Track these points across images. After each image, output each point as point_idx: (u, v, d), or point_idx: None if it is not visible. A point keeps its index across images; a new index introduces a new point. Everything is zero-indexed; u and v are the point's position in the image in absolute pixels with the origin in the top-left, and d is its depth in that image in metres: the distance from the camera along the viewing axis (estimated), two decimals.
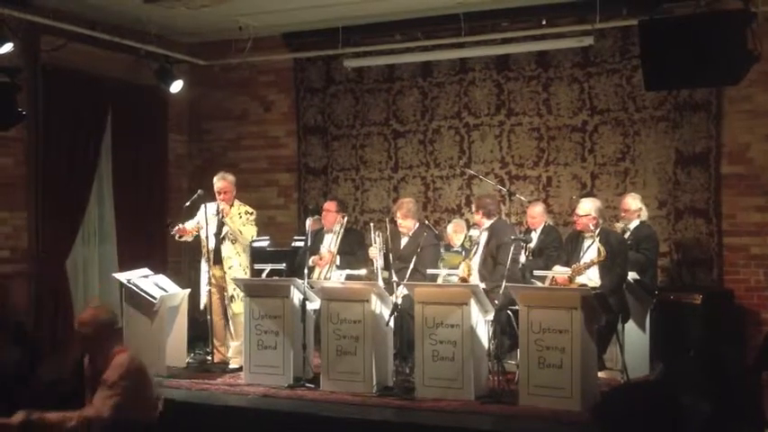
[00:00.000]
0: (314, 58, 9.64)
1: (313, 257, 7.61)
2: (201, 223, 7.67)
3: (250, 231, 7.68)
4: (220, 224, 7.64)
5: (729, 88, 7.72)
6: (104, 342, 4.67)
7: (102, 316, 4.74)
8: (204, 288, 7.71)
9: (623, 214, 7.65)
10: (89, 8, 8.36)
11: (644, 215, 7.62)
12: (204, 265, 7.74)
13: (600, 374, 6.63)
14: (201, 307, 7.79)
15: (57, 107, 8.33)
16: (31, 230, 8.24)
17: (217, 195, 7.67)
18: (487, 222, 7.21)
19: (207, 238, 7.64)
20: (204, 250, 7.69)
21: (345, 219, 7.80)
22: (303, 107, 9.81)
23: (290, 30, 9.46)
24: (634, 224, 7.52)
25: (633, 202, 7.62)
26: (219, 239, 7.64)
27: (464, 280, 6.97)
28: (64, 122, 8.42)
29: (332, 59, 9.53)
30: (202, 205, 7.69)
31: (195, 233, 7.76)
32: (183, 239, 7.81)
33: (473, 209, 7.40)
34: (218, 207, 7.67)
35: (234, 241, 7.64)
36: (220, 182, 7.69)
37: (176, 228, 7.65)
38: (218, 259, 7.64)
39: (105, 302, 5.46)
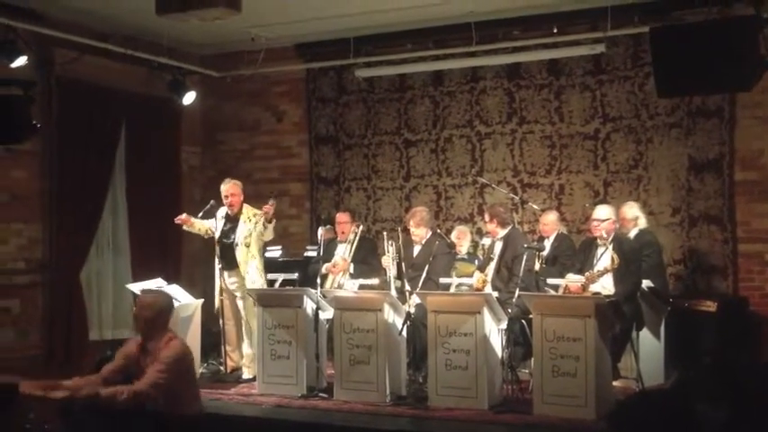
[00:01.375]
0: (326, 68, 9.67)
1: (326, 264, 7.63)
2: (213, 228, 7.72)
3: (270, 231, 7.69)
4: (230, 230, 7.67)
5: (742, 94, 7.68)
6: (161, 326, 5.01)
7: (162, 301, 5.14)
8: (217, 291, 7.76)
9: (620, 222, 7.60)
10: (102, 21, 8.43)
11: (642, 223, 7.54)
12: (217, 270, 7.78)
13: (614, 383, 6.60)
14: (215, 310, 7.83)
15: (71, 120, 8.40)
16: (45, 242, 8.30)
17: (224, 200, 7.69)
18: (502, 232, 7.20)
19: (217, 242, 7.69)
20: (217, 257, 7.74)
21: (360, 227, 7.81)
22: (315, 117, 9.84)
23: (302, 40, 9.51)
24: (633, 233, 7.46)
25: (630, 210, 7.56)
26: (233, 245, 7.65)
27: (479, 291, 6.95)
28: (78, 135, 8.48)
29: (344, 69, 9.56)
30: (218, 212, 7.77)
31: (209, 234, 7.80)
32: (186, 229, 7.82)
33: (486, 218, 7.37)
34: (226, 212, 7.72)
35: (248, 245, 7.63)
36: (227, 185, 7.73)
37: (181, 216, 7.69)
38: (233, 265, 7.66)
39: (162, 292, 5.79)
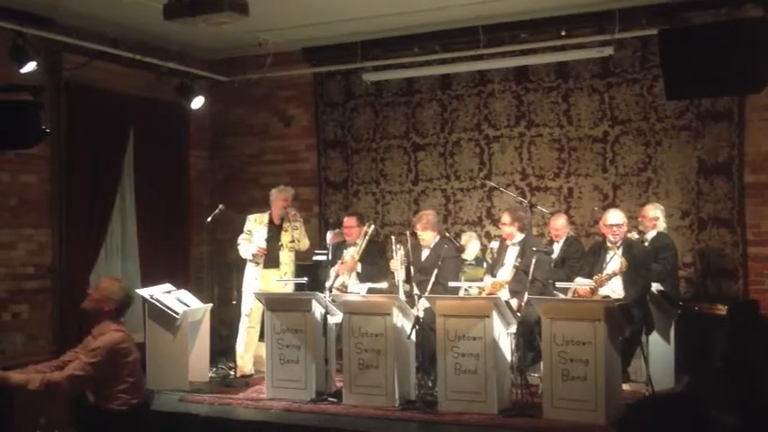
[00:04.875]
0: (333, 72, 9.67)
1: (334, 268, 7.64)
2: (258, 236, 7.95)
3: (307, 241, 8.19)
4: (276, 233, 7.95)
5: (751, 96, 7.65)
6: (106, 314, 4.84)
7: (117, 288, 4.93)
8: (250, 291, 7.86)
9: (640, 219, 7.64)
10: (111, 26, 8.46)
11: (661, 225, 7.56)
12: (252, 271, 7.92)
13: (624, 387, 6.58)
14: (245, 311, 7.93)
15: (79, 125, 8.42)
16: (54, 247, 8.31)
17: (281, 204, 8.00)
18: (519, 236, 7.17)
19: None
20: (257, 259, 7.90)
21: (372, 227, 7.80)
22: (323, 121, 9.84)
23: (310, 45, 9.51)
24: (651, 234, 7.48)
25: (652, 211, 7.60)
26: (277, 246, 7.91)
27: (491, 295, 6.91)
28: (87, 140, 8.50)
29: (351, 73, 9.56)
30: (251, 216, 8.09)
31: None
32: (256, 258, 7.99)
33: (506, 220, 7.22)
34: (269, 216, 8.04)
35: (291, 249, 7.98)
36: (291, 192, 8.19)
37: (258, 248, 7.89)
38: (272, 264, 7.91)
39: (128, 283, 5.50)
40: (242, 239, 7.99)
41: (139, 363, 4.94)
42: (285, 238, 7.97)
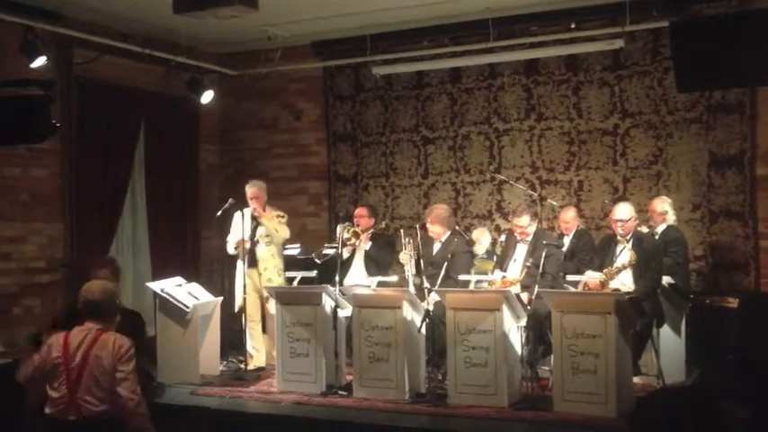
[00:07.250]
0: (343, 65, 9.67)
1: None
2: (238, 230, 7.83)
3: (285, 231, 7.95)
4: (255, 228, 7.84)
5: (763, 88, 7.62)
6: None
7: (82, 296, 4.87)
8: (239, 291, 7.84)
9: (649, 214, 7.62)
10: (121, 21, 8.48)
11: (671, 219, 7.54)
12: (240, 269, 7.87)
13: (635, 380, 6.56)
14: (236, 309, 7.92)
15: (90, 119, 8.45)
16: (66, 241, 8.35)
17: (249, 202, 7.88)
18: (532, 229, 7.14)
19: (244, 241, 7.81)
20: (242, 254, 7.83)
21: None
22: (333, 115, 9.84)
23: (319, 38, 9.51)
24: (661, 228, 7.45)
25: (660, 205, 7.56)
26: (254, 242, 7.83)
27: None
28: (97, 134, 8.53)
29: (361, 67, 9.55)
30: (237, 213, 7.91)
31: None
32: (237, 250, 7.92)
33: (525, 222, 7.11)
34: (252, 213, 7.89)
35: (268, 243, 7.85)
36: (252, 188, 7.93)
37: (237, 241, 7.80)
38: (253, 262, 7.81)
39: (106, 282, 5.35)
40: (228, 237, 8.00)
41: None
42: (259, 231, 7.87)
